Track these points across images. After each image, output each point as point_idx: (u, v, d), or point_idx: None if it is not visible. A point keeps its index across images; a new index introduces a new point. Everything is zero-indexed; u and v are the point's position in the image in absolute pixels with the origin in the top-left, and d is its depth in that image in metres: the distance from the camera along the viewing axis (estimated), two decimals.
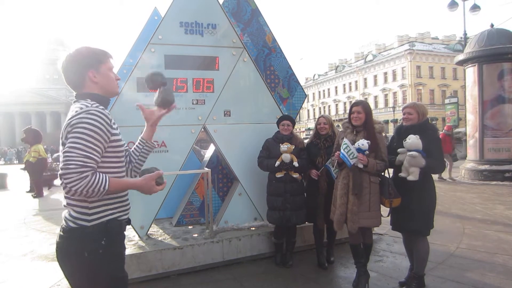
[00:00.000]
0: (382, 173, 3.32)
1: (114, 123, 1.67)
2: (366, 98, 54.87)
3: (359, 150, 3.13)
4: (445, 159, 9.72)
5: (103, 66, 1.73)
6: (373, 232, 4.92)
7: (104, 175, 1.55)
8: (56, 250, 1.65)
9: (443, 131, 10.74)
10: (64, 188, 1.49)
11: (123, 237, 1.76)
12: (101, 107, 1.64)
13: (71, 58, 1.70)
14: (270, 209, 3.98)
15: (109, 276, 1.63)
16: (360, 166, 3.16)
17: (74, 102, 1.68)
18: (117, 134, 1.69)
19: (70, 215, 1.62)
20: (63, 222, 1.65)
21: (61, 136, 1.61)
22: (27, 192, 10.71)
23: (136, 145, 1.97)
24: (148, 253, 3.74)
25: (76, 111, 1.57)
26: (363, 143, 3.13)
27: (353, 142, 3.22)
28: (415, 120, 3.25)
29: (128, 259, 3.61)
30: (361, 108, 3.32)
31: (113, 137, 1.64)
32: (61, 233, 1.63)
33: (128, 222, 1.80)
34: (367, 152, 3.14)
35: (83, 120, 1.53)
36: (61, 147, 1.61)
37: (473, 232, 5.07)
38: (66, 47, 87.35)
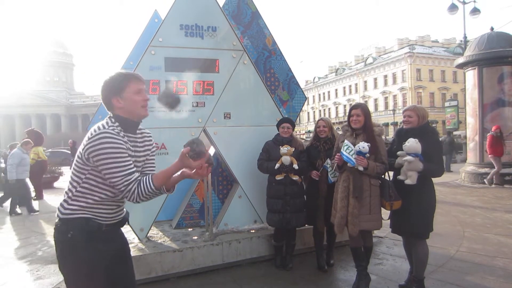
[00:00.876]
0: (383, 176, 3.32)
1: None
2: (366, 101, 54.96)
3: (359, 153, 3.13)
4: (494, 162, 9.45)
5: (126, 91, 1.84)
6: (373, 235, 4.92)
7: (146, 177, 1.75)
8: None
9: (490, 132, 9.46)
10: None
11: (99, 235, 1.82)
12: (115, 128, 1.79)
13: (102, 87, 1.87)
14: (270, 211, 3.98)
15: (72, 268, 1.80)
16: (361, 168, 3.16)
17: (109, 118, 1.87)
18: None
19: (58, 207, 1.85)
20: None
21: (81, 150, 1.78)
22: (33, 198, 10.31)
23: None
24: (147, 255, 3.74)
25: (94, 130, 1.76)
26: (364, 145, 3.13)
27: (353, 145, 3.23)
28: (415, 123, 3.25)
29: None
30: (360, 111, 3.33)
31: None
32: (54, 226, 1.87)
33: (118, 225, 1.94)
34: (368, 155, 3.14)
35: (105, 144, 1.71)
36: (76, 157, 1.81)
37: (473, 235, 5.06)
38: (66, 49, 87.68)
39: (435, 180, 3.27)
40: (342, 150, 3.23)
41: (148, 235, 4.29)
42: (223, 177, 5.01)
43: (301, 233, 4.34)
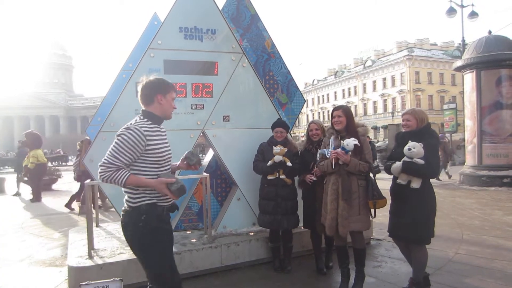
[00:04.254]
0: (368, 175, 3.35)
1: (152, 138, 2.23)
2: (365, 104, 55.12)
3: (342, 148, 3.19)
4: None
5: (169, 94, 2.34)
6: (371, 237, 4.93)
7: (125, 172, 2.15)
8: (121, 225, 2.33)
9: None
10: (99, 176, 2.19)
11: (163, 217, 2.31)
12: (146, 125, 2.24)
13: (147, 83, 2.30)
14: (261, 212, 4.00)
15: (146, 242, 2.23)
16: (340, 163, 3.21)
17: (139, 116, 2.32)
18: (156, 145, 2.24)
19: (125, 199, 2.29)
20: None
21: None
22: (30, 200, 10.00)
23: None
24: None
25: (127, 124, 2.24)
26: (349, 142, 3.19)
27: (339, 147, 3.27)
28: (413, 126, 3.25)
29: (126, 264, 3.61)
30: (342, 112, 3.40)
31: (149, 149, 2.21)
32: (122, 213, 2.31)
33: (170, 209, 2.38)
34: (350, 152, 3.19)
35: (122, 133, 2.18)
36: None
37: (472, 238, 5.06)
38: (66, 50, 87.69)
39: (433, 182, 3.28)
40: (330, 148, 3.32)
41: None
42: (222, 180, 5.00)
43: (300, 236, 4.33)
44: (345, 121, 3.37)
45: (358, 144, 3.23)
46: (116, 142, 2.16)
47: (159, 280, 2.31)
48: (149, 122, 2.27)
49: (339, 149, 3.19)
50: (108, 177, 2.14)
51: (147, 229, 2.23)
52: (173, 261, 2.36)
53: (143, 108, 2.33)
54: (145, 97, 2.31)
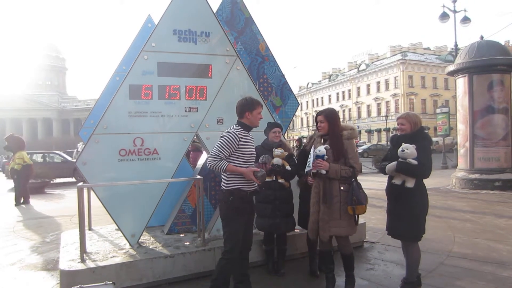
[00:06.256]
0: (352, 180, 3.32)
1: (243, 140, 3.08)
2: (359, 107, 55.46)
3: (317, 156, 3.20)
4: None
5: (255, 111, 3.16)
6: (364, 240, 4.95)
7: (225, 162, 2.99)
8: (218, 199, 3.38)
9: None
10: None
11: (247, 199, 3.15)
12: (240, 131, 3.10)
13: (240, 103, 3.20)
14: (259, 216, 3.97)
15: (228, 216, 3.13)
16: (323, 172, 3.19)
17: (235, 124, 3.20)
18: (245, 146, 3.10)
19: (222, 183, 3.18)
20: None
21: None
22: (15, 205, 9.64)
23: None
24: (138, 261, 3.70)
25: (228, 129, 3.13)
26: (320, 149, 3.21)
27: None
28: (408, 130, 3.35)
29: (119, 267, 3.58)
30: (323, 117, 3.37)
31: (240, 147, 3.07)
32: (219, 192, 3.29)
33: (253, 193, 3.21)
34: (326, 157, 3.19)
35: (224, 135, 3.07)
36: None
37: (464, 241, 5.10)
38: (59, 52, 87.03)
39: (426, 185, 3.32)
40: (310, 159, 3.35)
41: (140, 241, 4.26)
42: (216, 183, 4.98)
43: (294, 239, 4.34)
44: (326, 127, 3.34)
45: (328, 146, 3.23)
46: (220, 141, 3.04)
47: (228, 242, 3.11)
48: (242, 129, 3.12)
49: (317, 159, 3.19)
50: (214, 165, 2.98)
51: (231, 207, 3.07)
52: (249, 230, 3.26)
53: (238, 119, 3.19)
54: (239, 113, 3.18)
